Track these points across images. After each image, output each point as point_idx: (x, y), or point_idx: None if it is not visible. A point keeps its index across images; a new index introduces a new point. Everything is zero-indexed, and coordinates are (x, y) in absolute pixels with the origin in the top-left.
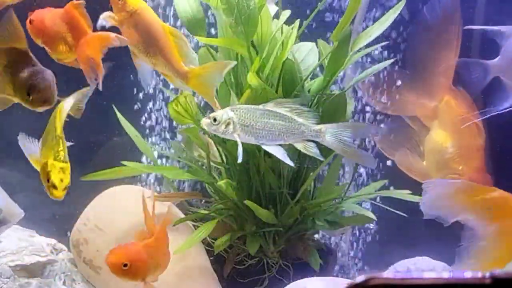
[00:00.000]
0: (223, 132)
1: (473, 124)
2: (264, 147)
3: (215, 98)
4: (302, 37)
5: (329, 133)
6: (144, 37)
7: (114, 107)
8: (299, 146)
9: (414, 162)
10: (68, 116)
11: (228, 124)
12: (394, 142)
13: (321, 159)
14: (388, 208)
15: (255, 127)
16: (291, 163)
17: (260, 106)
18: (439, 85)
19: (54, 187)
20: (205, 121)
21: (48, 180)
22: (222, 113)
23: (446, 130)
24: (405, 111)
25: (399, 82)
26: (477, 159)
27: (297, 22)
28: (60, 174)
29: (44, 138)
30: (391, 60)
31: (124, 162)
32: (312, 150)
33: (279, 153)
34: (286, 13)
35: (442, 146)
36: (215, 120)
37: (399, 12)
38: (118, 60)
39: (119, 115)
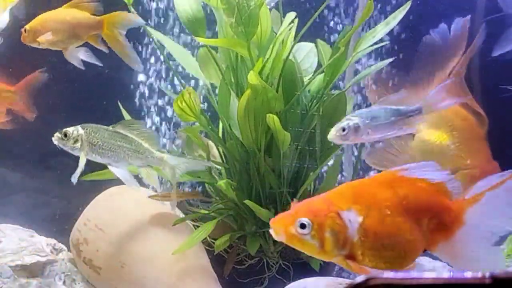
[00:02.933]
0: (71, 148)
1: (471, 114)
2: (109, 167)
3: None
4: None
5: (170, 163)
6: (55, 28)
7: (120, 104)
8: (143, 172)
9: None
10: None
11: (76, 141)
12: (380, 158)
13: (158, 190)
14: None
15: (101, 147)
16: (135, 184)
17: (110, 127)
18: (423, 87)
19: None
20: (56, 135)
21: None
22: (72, 130)
23: (439, 129)
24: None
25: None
26: (483, 149)
27: (296, 21)
28: None
29: None
30: (390, 60)
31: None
32: (153, 179)
33: (123, 176)
34: (291, 15)
35: (441, 145)
36: (65, 135)
37: (405, 13)
38: (118, 61)
39: (124, 111)
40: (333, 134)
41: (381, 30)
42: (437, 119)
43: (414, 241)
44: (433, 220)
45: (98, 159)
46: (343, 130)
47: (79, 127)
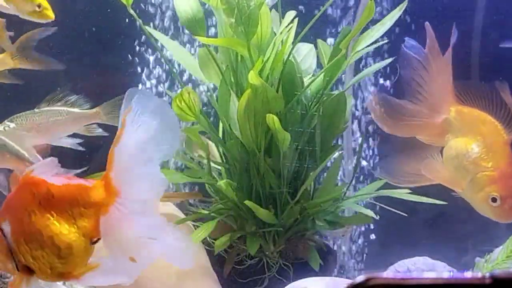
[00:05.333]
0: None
1: (496, 120)
2: (53, 143)
3: None
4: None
5: (104, 112)
6: None
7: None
8: (82, 130)
9: (441, 168)
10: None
11: None
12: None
13: (105, 133)
14: (388, 208)
15: (38, 131)
16: (79, 148)
17: (36, 109)
18: (441, 100)
19: None
20: None
21: None
22: (3, 127)
23: (466, 136)
24: (409, 133)
25: (397, 106)
26: (505, 154)
27: (296, 21)
28: None
29: None
30: (390, 60)
31: None
32: (95, 131)
33: (70, 144)
34: (291, 14)
35: (466, 149)
36: None
37: (401, 13)
38: (114, 61)
39: None
40: None
41: (378, 30)
42: (465, 127)
43: (69, 234)
44: (86, 207)
45: (39, 141)
46: None
47: (6, 122)
